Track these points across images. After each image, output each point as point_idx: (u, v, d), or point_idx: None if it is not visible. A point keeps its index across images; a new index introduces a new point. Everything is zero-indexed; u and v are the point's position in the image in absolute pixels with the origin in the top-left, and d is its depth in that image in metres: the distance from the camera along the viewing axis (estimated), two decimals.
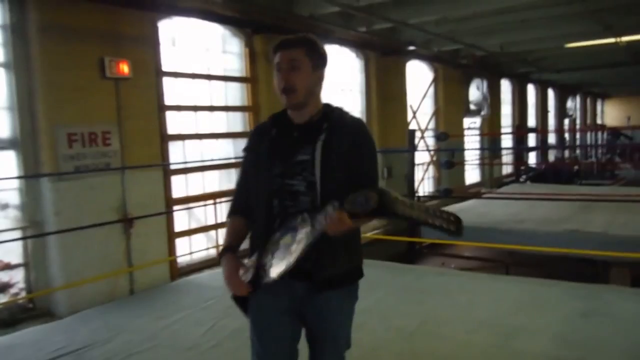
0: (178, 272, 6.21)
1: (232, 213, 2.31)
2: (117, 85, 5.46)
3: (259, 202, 2.17)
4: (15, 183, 4.99)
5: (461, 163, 11.94)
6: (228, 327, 4.24)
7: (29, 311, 5.01)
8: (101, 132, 5.33)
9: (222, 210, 6.95)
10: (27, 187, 5.02)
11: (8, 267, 4.95)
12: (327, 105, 2.28)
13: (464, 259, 8.59)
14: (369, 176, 2.18)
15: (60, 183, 5.03)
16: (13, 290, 4.99)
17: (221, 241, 7.05)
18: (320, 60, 2.21)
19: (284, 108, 2.24)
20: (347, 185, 1.98)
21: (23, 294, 5.04)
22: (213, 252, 6.78)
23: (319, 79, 2.22)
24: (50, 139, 4.97)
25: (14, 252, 4.99)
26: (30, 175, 5.00)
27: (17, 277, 5.02)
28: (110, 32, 5.43)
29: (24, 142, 4.97)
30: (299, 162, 2.11)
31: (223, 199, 6.86)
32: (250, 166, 2.27)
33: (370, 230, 9.28)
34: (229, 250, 2.19)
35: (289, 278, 2.01)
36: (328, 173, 2.08)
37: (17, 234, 4.99)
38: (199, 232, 6.80)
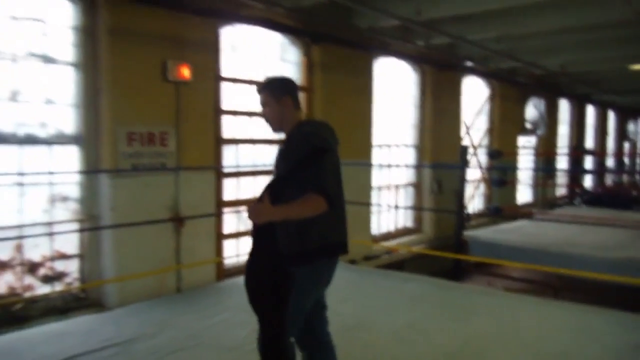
0: (224, 273, 6.32)
1: None
2: (177, 88, 5.63)
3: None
4: (76, 177, 5.22)
5: (513, 182, 11.72)
6: None
7: (81, 300, 5.20)
8: (159, 133, 5.50)
9: None
10: (86, 182, 5.23)
11: (64, 256, 5.17)
12: (299, 122, 2.94)
13: (511, 279, 8.40)
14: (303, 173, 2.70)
15: (118, 179, 5.22)
16: (67, 280, 5.21)
17: None
18: (280, 95, 2.92)
19: None
20: (286, 180, 2.75)
21: (76, 283, 5.25)
22: None
23: (285, 106, 2.92)
24: (111, 136, 5.17)
25: (70, 243, 5.21)
26: (90, 171, 5.21)
27: (72, 267, 5.23)
28: (174, 37, 5.61)
29: (86, 139, 5.20)
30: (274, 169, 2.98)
31: None
32: None
33: (416, 244, 9.22)
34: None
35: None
36: (276, 176, 2.88)
37: (75, 225, 5.21)
38: (247, 235, 6.90)
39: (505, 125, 12.32)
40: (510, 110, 12.54)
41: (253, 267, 2.86)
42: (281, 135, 3.02)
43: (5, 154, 4.71)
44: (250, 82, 6.76)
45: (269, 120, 2.95)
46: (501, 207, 9.82)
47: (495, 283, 8.35)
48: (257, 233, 2.83)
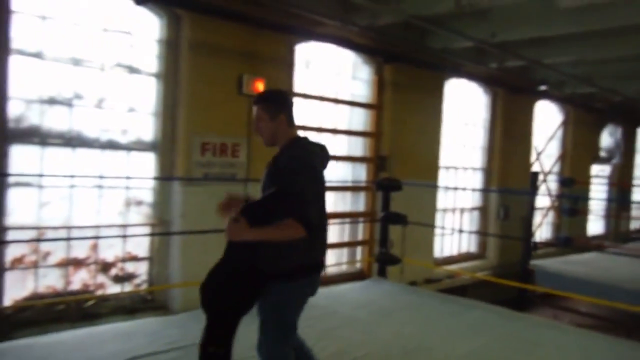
0: None
1: None
2: (251, 102, 5.75)
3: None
4: (151, 183, 5.44)
5: (585, 212, 11.28)
6: (328, 348, 4.28)
7: (147, 302, 5.40)
8: (231, 144, 5.65)
9: (333, 232, 7.09)
10: (160, 188, 5.44)
11: (135, 258, 5.38)
12: (291, 139, 2.93)
13: (578, 314, 8.06)
14: (269, 201, 2.80)
15: (189, 187, 5.39)
16: (136, 281, 5.41)
17: (332, 261, 7.21)
18: (275, 111, 2.90)
19: None
20: (268, 203, 2.76)
21: (144, 285, 5.45)
22: None
23: (280, 123, 2.91)
24: (186, 145, 5.35)
25: (141, 246, 5.43)
26: (164, 178, 5.41)
27: (142, 269, 5.44)
28: (251, 52, 5.77)
29: (162, 146, 5.42)
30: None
31: (336, 221, 6.98)
32: None
33: (480, 270, 9.01)
34: None
35: None
36: (264, 191, 2.84)
37: (147, 229, 5.42)
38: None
39: (578, 152, 11.91)
40: (584, 136, 12.11)
41: (222, 270, 2.89)
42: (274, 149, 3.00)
43: (88, 157, 4.98)
44: (322, 99, 6.85)
45: (261, 134, 2.96)
46: (571, 238, 9.47)
47: (562, 316, 8.03)
48: (234, 244, 2.85)
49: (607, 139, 12.84)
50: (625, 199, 13.77)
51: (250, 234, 2.69)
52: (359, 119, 7.42)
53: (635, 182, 14.60)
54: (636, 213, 14.98)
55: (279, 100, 2.99)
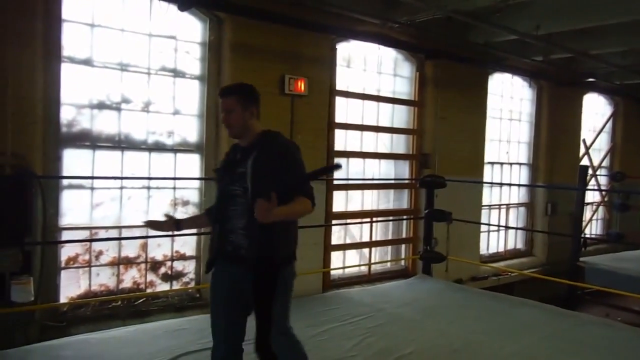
0: (330, 284, 6.41)
1: (206, 209, 3.25)
2: (292, 101, 5.83)
3: (216, 202, 2.95)
4: (197, 183, 5.55)
5: (637, 207, 10.91)
6: (374, 345, 4.29)
7: (195, 300, 5.51)
8: None
9: (377, 229, 7.08)
10: (205, 188, 5.54)
11: (183, 257, 5.51)
12: (265, 132, 2.95)
13: (632, 312, 7.81)
14: (299, 179, 2.85)
15: None
16: (185, 279, 5.53)
17: (377, 259, 7.21)
18: (248, 102, 2.89)
19: None
20: (280, 186, 2.67)
21: (192, 284, 5.56)
22: (365, 269, 6.93)
23: (251, 114, 2.90)
24: (228, 146, 5.39)
25: (189, 245, 5.55)
26: (209, 178, 5.50)
27: (189, 267, 5.56)
28: (292, 52, 5.82)
29: (207, 147, 5.53)
30: (239, 174, 2.84)
31: (380, 218, 6.96)
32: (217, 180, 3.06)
33: (527, 268, 8.84)
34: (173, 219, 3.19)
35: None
36: (257, 181, 2.78)
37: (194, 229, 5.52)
38: (353, 247, 6.98)
39: (629, 146, 11.54)
40: (635, 129, 11.71)
41: (261, 270, 2.81)
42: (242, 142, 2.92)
43: (136, 159, 5.13)
44: (364, 97, 6.85)
45: (231, 125, 2.89)
46: (622, 234, 9.18)
47: (614, 315, 7.79)
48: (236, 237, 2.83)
49: None
50: None
51: (279, 213, 2.61)
52: (401, 117, 7.39)
53: None
54: None
55: (253, 93, 2.97)
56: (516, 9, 6.27)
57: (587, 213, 9.99)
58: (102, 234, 4.98)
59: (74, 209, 4.86)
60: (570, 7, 6.27)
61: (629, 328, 5.58)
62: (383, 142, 7.23)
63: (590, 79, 9.65)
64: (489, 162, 8.63)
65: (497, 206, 8.98)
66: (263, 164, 2.80)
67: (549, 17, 6.50)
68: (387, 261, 7.40)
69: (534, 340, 4.70)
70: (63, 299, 4.85)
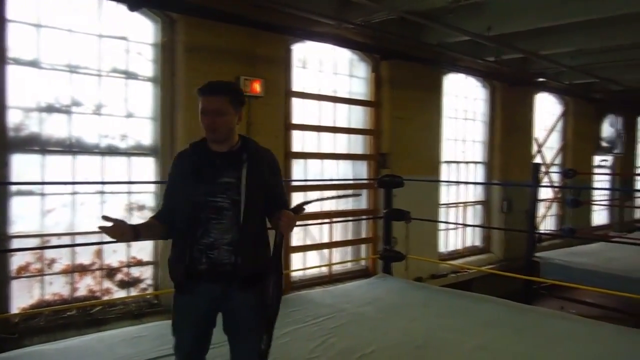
0: (291, 286, 6.38)
1: (153, 217, 2.76)
2: (249, 103, 5.77)
3: (185, 215, 2.56)
4: (152, 187, 5.44)
5: (588, 202, 11.25)
6: (337, 346, 4.26)
7: (154, 306, 5.40)
8: None
9: (337, 230, 7.08)
10: (162, 192, 5.40)
11: (140, 263, 5.39)
12: (243, 137, 2.70)
13: (586, 305, 8.03)
14: (283, 197, 2.75)
15: None
16: (142, 286, 5.41)
17: (337, 259, 7.20)
18: (239, 105, 2.64)
19: (202, 138, 2.67)
20: (265, 202, 2.60)
21: (150, 289, 5.45)
22: (325, 270, 6.91)
23: (238, 118, 2.65)
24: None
25: (145, 251, 5.44)
26: (165, 181, 5.35)
27: (147, 273, 5.45)
28: (247, 53, 5.78)
29: (162, 150, 5.42)
30: (224, 184, 2.56)
31: (339, 219, 6.96)
32: (176, 187, 2.67)
33: (485, 264, 9.00)
34: (133, 227, 2.53)
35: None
36: (251, 193, 2.55)
37: None
38: (314, 249, 6.96)
39: (579, 144, 11.91)
40: (585, 127, 12.10)
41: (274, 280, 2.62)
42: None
43: (89, 163, 4.99)
44: (320, 98, 6.85)
45: (217, 129, 2.56)
46: (575, 229, 9.44)
47: (568, 307, 8.00)
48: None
49: (607, 129, 12.80)
50: (629, 188, 13.75)
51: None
52: (359, 117, 7.43)
53: (637, 171, 14.57)
54: None
55: (242, 94, 2.75)
56: (468, 10, 6.38)
57: (541, 209, 10.24)
58: (55, 241, 4.81)
59: (24, 216, 4.69)
60: (521, 9, 6.41)
61: (582, 320, 5.72)
62: (341, 143, 7.25)
63: (541, 79, 9.93)
64: (446, 161, 8.75)
65: (454, 204, 9.11)
66: (257, 176, 2.60)
67: (500, 18, 6.63)
68: (347, 261, 7.42)
69: (494, 334, 4.77)
70: (15, 309, 4.67)
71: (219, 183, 2.56)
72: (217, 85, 2.62)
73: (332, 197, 2.35)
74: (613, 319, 6.75)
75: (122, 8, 4.92)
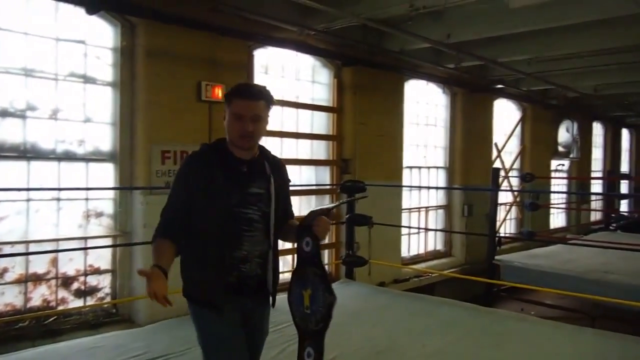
0: None
1: (162, 235, 2.43)
2: (210, 108, 5.73)
3: (216, 227, 2.41)
4: (111, 194, 5.34)
5: (546, 206, 11.52)
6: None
7: (112, 316, 5.29)
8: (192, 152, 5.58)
9: None
10: (120, 198, 5.34)
11: (97, 271, 5.27)
12: (260, 146, 2.62)
13: (544, 306, 8.21)
14: (291, 206, 2.74)
15: (151, 197, 5.30)
16: (100, 295, 5.29)
17: None
18: (269, 110, 2.53)
19: (217, 140, 2.58)
20: (285, 210, 2.60)
21: (108, 299, 5.33)
22: (288, 276, 6.88)
23: (268, 123, 2.56)
24: (145, 154, 5.28)
25: (103, 259, 5.31)
26: (124, 187, 5.32)
27: (104, 282, 5.33)
28: (209, 58, 5.73)
29: (122, 156, 5.33)
30: (254, 194, 2.48)
31: None
32: (195, 196, 2.42)
33: (447, 268, 9.11)
34: (161, 268, 2.29)
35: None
36: (278, 206, 2.53)
37: (108, 241, 5.32)
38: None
39: (537, 148, 12.19)
40: (543, 133, 12.41)
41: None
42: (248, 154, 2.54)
43: (45, 169, 4.86)
44: (283, 103, 6.85)
45: (254, 136, 2.46)
46: (534, 232, 9.65)
47: (528, 309, 8.16)
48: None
49: (564, 134, 13.15)
50: (585, 192, 14.14)
51: None
52: (321, 123, 7.45)
53: (592, 175, 15.00)
54: (595, 205, 15.40)
55: (273, 98, 2.63)
56: (428, 18, 6.47)
57: (501, 213, 10.43)
58: (7, 249, 4.65)
59: None
60: (478, 17, 6.52)
61: (542, 321, 5.86)
62: (303, 149, 7.25)
63: (500, 86, 10.13)
64: (408, 167, 8.84)
65: (416, 209, 9.21)
66: (282, 187, 2.59)
67: (459, 26, 6.75)
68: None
69: (454, 337, 4.83)
70: None
71: (250, 194, 2.47)
72: (257, 89, 2.52)
73: (343, 202, 2.36)
74: (571, 320, 6.94)
75: (80, 11, 4.83)
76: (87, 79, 5.12)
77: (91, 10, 4.80)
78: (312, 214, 2.47)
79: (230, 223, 2.42)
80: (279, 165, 2.63)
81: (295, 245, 2.51)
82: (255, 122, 2.42)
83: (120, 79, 5.28)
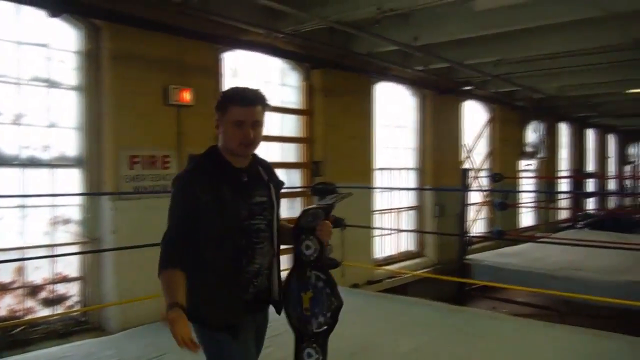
0: None
1: (172, 265, 2.20)
2: (178, 112, 5.68)
3: (230, 243, 2.27)
4: (78, 200, 5.24)
5: (515, 205, 11.69)
6: (273, 355, 4.18)
7: (81, 324, 5.18)
8: (161, 156, 5.53)
9: None
10: (88, 205, 5.25)
11: (65, 279, 5.16)
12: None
13: (515, 304, 8.33)
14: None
15: (119, 202, 5.22)
16: (68, 303, 5.18)
17: None
18: (266, 113, 2.39)
19: (209, 151, 2.40)
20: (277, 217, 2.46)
21: (77, 307, 5.22)
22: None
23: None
24: (113, 159, 5.20)
25: (72, 266, 5.21)
26: (91, 193, 5.23)
27: (73, 290, 5.22)
28: (176, 62, 5.68)
29: (89, 162, 5.24)
30: (259, 203, 2.36)
31: None
32: (210, 212, 2.24)
33: (419, 268, 9.17)
34: (181, 307, 2.12)
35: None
36: (279, 212, 2.46)
37: (76, 248, 5.21)
38: None
39: (505, 149, 12.38)
40: (510, 133, 12.61)
41: None
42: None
43: (8, 176, 4.75)
44: None
45: (255, 142, 2.34)
46: (504, 231, 9.78)
47: (500, 307, 8.27)
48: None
49: (531, 135, 13.41)
50: (552, 191, 14.39)
51: None
52: (291, 126, 7.44)
53: (560, 174, 15.30)
54: (563, 204, 15.71)
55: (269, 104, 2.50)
56: (395, 21, 6.52)
57: (472, 213, 10.55)
58: None
59: None
60: (445, 20, 6.60)
61: (513, 319, 5.96)
62: (274, 151, 7.23)
63: (468, 87, 10.26)
64: (379, 168, 8.88)
65: (388, 210, 9.26)
66: (279, 192, 2.49)
67: (426, 29, 6.82)
68: (283, 270, 7.36)
69: (428, 336, 4.88)
70: None
71: (255, 204, 2.35)
72: (254, 94, 2.34)
73: (340, 198, 2.19)
74: (541, 316, 7.07)
75: (43, 14, 4.74)
76: (51, 83, 5.02)
77: (54, 13, 4.72)
78: (308, 214, 2.42)
79: (243, 237, 2.30)
80: (271, 169, 2.53)
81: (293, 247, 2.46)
82: (255, 128, 2.31)
83: (85, 83, 5.19)
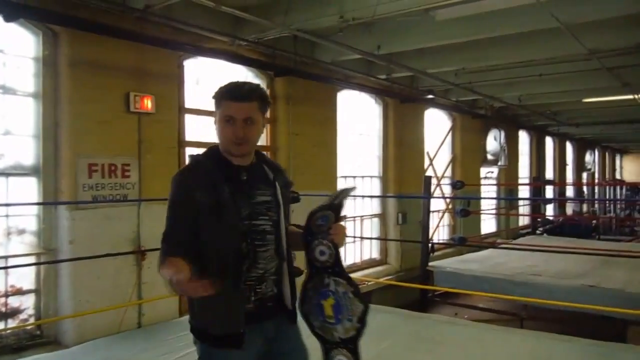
0: (187, 308, 6.18)
1: (172, 255, 2.09)
2: (139, 120, 5.59)
3: (228, 247, 2.16)
4: (34, 209, 5.09)
5: (477, 212, 11.87)
6: None
7: (36, 338, 5.02)
8: (121, 164, 5.43)
9: None
10: (44, 214, 5.11)
11: (19, 292, 5.00)
12: (256, 150, 2.40)
13: (477, 310, 8.43)
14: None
15: (77, 212, 5.10)
16: (22, 316, 5.02)
17: None
18: (265, 112, 2.31)
19: (209, 149, 2.33)
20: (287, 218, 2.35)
21: (32, 320, 5.06)
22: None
23: (264, 126, 2.33)
24: (71, 168, 5.08)
25: (26, 278, 5.05)
26: (48, 202, 5.09)
27: (28, 303, 5.06)
28: (137, 69, 5.59)
29: (45, 170, 5.10)
30: (262, 203, 2.26)
31: None
32: (209, 212, 2.15)
33: (383, 276, 9.22)
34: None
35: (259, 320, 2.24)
36: (286, 211, 2.32)
37: (32, 259, 5.06)
38: None
39: (467, 156, 12.57)
40: (472, 141, 12.82)
41: None
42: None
43: None
44: (214, 114, 6.76)
45: (248, 141, 2.23)
46: (465, 237, 9.92)
47: (462, 313, 8.37)
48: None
49: (492, 142, 13.65)
50: (512, 197, 14.70)
51: None
52: None
53: (520, 181, 15.62)
54: (522, 210, 16.05)
55: (269, 99, 2.40)
56: (358, 29, 6.55)
57: (434, 220, 10.67)
58: None
59: None
60: (407, 29, 6.67)
61: (473, 324, 6.04)
62: None
63: (430, 96, 10.41)
64: (343, 176, 8.91)
65: (352, 218, 9.28)
66: (286, 191, 2.37)
67: (389, 38, 6.88)
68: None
69: (390, 343, 4.90)
70: None
71: (258, 203, 2.25)
72: (249, 89, 2.25)
73: (344, 195, 2.06)
74: (501, 321, 7.18)
75: None
76: (7, 90, 4.89)
77: (9, 18, 4.58)
78: (317, 217, 2.28)
79: (243, 239, 2.18)
80: (279, 169, 2.42)
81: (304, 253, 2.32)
82: (249, 125, 2.20)
83: (42, 90, 5.06)
